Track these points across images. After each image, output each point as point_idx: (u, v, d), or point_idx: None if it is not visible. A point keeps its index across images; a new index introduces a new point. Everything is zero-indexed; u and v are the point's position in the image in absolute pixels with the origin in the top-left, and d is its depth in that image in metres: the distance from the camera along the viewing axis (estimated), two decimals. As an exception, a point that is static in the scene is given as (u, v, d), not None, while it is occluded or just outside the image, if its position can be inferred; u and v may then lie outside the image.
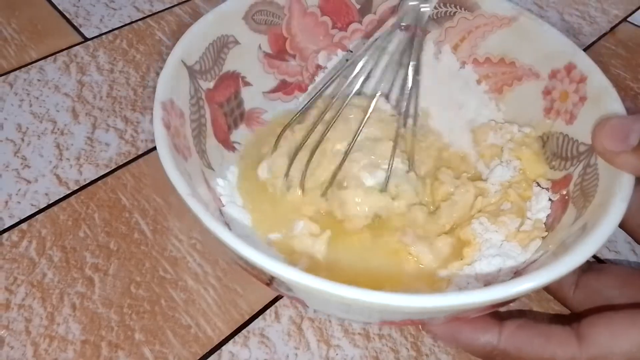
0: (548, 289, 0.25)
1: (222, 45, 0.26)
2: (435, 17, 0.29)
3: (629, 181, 0.20)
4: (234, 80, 0.27)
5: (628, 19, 0.44)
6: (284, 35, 0.29)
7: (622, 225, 0.24)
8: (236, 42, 0.27)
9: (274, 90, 0.30)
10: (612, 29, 0.43)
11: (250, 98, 0.29)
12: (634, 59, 0.40)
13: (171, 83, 0.23)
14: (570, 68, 0.25)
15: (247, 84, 0.28)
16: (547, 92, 0.26)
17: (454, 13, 0.28)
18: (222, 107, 0.27)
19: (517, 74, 0.27)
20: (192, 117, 0.24)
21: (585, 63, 0.24)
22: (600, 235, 0.18)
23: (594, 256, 0.29)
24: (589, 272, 0.24)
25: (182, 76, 0.24)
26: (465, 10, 0.28)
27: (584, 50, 0.41)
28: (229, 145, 0.27)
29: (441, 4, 0.28)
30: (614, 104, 0.22)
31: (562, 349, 0.20)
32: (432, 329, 0.22)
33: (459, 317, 0.20)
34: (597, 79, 0.24)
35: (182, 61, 0.24)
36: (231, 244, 0.18)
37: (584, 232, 0.19)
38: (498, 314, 0.22)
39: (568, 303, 0.24)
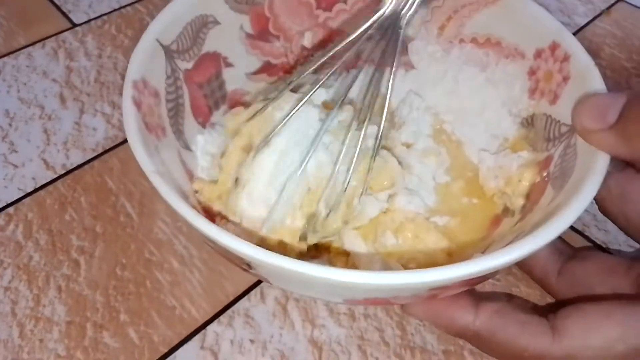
0: (532, 275, 0.25)
1: (201, 25, 0.26)
2: None
3: (603, 161, 0.19)
4: (214, 61, 0.27)
5: (624, -1, 0.43)
6: (266, 15, 0.28)
7: (604, 212, 0.23)
8: (216, 22, 0.27)
9: (258, 72, 0.29)
10: (607, 8, 0.42)
11: (233, 79, 0.28)
12: (628, 39, 0.40)
13: (144, 62, 0.23)
14: (554, 47, 0.24)
15: (228, 65, 0.28)
16: (532, 72, 0.26)
17: None
18: (202, 88, 0.27)
19: (503, 54, 0.27)
20: (168, 97, 0.24)
21: (569, 41, 0.24)
22: (568, 215, 0.18)
23: (584, 236, 0.28)
24: (574, 259, 0.23)
25: (157, 56, 0.24)
26: None
27: (579, 30, 0.41)
28: (209, 126, 0.27)
29: None
30: (596, 83, 0.22)
31: (535, 340, 0.20)
32: (412, 311, 0.22)
33: (430, 295, 0.20)
34: (580, 58, 0.23)
35: (157, 40, 0.24)
36: (192, 222, 0.17)
37: (554, 212, 0.19)
38: (477, 294, 0.22)
39: (551, 290, 0.24)
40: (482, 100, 0.28)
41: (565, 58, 0.23)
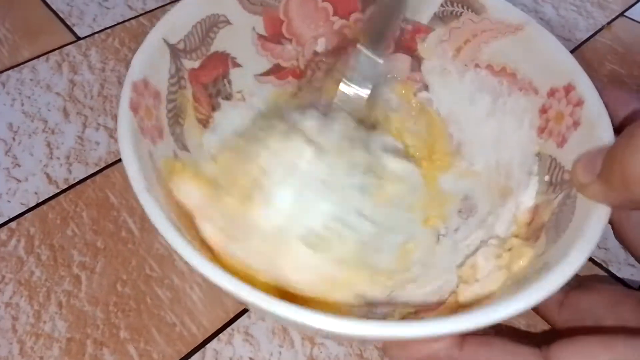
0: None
1: (211, 25, 0.26)
2: (441, 16, 0.28)
3: (600, 219, 0.19)
4: (222, 60, 0.27)
5: (625, 14, 0.43)
6: (280, 18, 0.28)
7: (619, 238, 0.23)
8: (227, 22, 0.26)
9: (267, 74, 0.29)
10: (608, 23, 0.42)
11: (240, 80, 0.28)
12: (630, 55, 0.40)
13: (147, 62, 0.22)
14: (569, 89, 0.23)
15: (237, 65, 0.28)
16: (543, 110, 0.25)
17: (461, 14, 0.27)
18: (207, 88, 0.27)
19: (517, 86, 0.26)
20: (169, 97, 0.24)
21: (585, 86, 0.23)
22: (555, 278, 0.17)
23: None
24: (578, 289, 0.22)
25: (162, 55, 0.23)
26: (471, 12, 0.27)
27: (579, 45, 0.41)
28: (211, 128, 0.27)
29: (448, 3, 0.27)
30: (605, 133, 0.21)
31: None
32: (391, 352, 0.21)
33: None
34: (593, 105, 0.22)
35: (163, 39, 0.23)
36: (178, 249, 0.17)
37: (542, 271, 0.18)
38: None
39: (554, 322, 0.23)
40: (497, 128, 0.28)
41: (579, 103, 0.23)
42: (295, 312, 0.16)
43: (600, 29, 0.42)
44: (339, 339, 0.19)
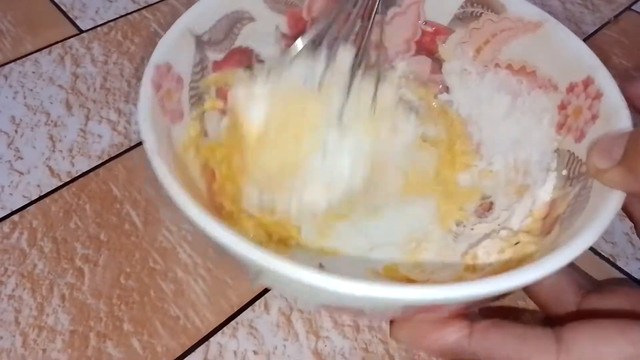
0: (548, 310, 0.23)
1: (235, 20, 0.26)
2: (461, 17, 0.28)
3: (614, 203, 0.19)
4: (246, 56, 0.27)
5: (632, 7, 0.43)
6: (304, 18, 0.28)
7: None
8: (251, 19, 0.27)
9: None
10: (615, 17, 0.42)
11: None
12: (637, 48, 0.40)
13: (171, 48, 0.23)
14: (588, 82, 0.23)
15: (260, 61, 0.28)
16: (562, 106, 0.25)
17: (480, 14, 0.27)
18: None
19: (537, 84, 0.26)
20: (192, 84, 0.24)
21: (604, 78, 0.23)
22: (563, 256, 0.17)
23: (591, 248, 0.28)
24: (595, 293, 0.21)
25: (187, 44, 0.24)
26: (491, 12, 0.27)
27: (586, 38, 0.40)
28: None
29: (468, 4, 0.27)
30: (624, 123, 0.21)
31: (539, 353, 0.18)
32: (397, 335, 0.21)
33: (405, 315, 0.19)
34: (612, 97, 0.22)
35: (188, 29, 0.24)
36: (185, 210, 0.17)
37: (552, 251, 0.18)
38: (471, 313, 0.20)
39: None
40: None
41: (597, 96, 0.22)
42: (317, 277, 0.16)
43: (607, 23, 0.42)
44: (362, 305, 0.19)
